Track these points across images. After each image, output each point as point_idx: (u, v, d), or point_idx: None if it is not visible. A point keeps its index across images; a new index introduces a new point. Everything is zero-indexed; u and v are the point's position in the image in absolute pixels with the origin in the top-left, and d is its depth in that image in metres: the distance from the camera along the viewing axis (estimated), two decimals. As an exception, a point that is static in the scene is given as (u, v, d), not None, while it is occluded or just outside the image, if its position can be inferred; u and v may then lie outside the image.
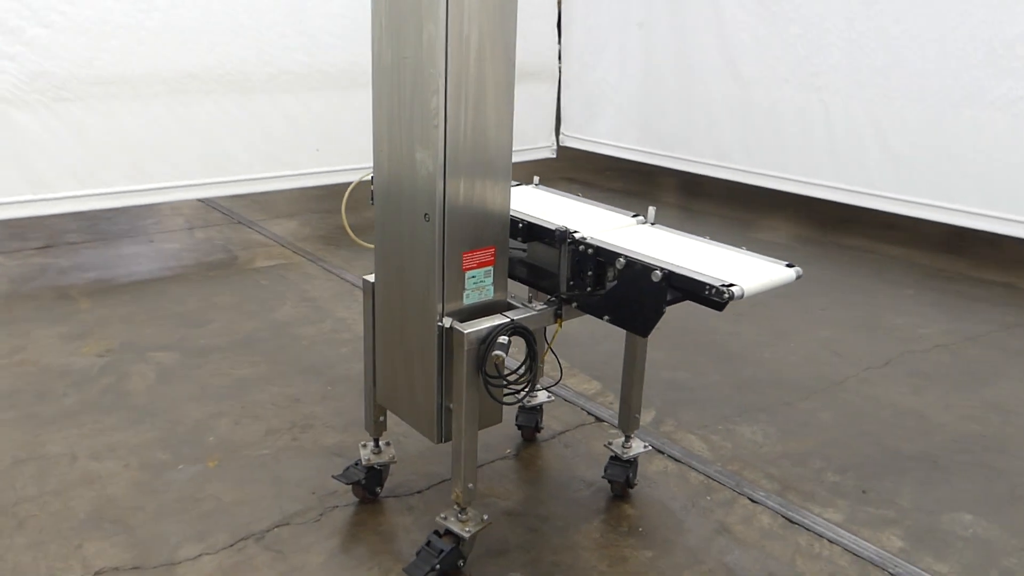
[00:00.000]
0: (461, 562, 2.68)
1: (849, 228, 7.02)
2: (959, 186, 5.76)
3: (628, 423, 3.15)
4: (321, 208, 7.37)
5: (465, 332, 2.49)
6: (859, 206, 6.36)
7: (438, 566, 2.63)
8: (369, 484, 3.06)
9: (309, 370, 4.15)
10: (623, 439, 3.17)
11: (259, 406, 3.77)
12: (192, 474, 3.24)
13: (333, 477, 3.09)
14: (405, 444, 3.40)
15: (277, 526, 2.94)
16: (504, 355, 2.51)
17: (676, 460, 3.41)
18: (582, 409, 3.79)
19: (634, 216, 2.90)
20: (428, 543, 2.68)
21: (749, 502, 3.16)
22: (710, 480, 3.29)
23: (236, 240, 6.41)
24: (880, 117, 6.14)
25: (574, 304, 2.67)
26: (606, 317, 2.57)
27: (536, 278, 2.82)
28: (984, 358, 4.49)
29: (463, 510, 2.69)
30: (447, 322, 2.53)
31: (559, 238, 2.62)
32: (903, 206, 6.09)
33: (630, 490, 3.16)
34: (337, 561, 2.77)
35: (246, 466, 3.31)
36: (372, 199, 2.72)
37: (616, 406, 3.34)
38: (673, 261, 2.43)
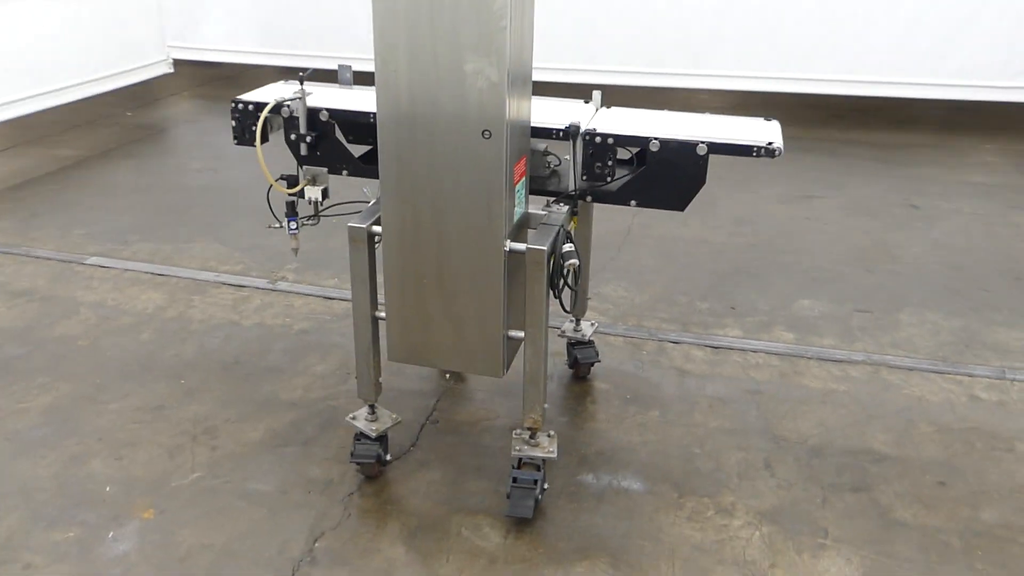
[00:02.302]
0: (546, 484, 2.62)
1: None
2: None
3: (581, 308, 3.24)
4: None
5: (543, 248, 2.33)
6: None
7: (539, 496, 2.54)
8: (382, 454, 2.72)
9: (129, 373, 3.32)
10: (574, 324, 3.27)
11: (121, 431, 2.96)
12: (136, 539, 2.49)
13: (352, 460, 2.67)
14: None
15: (316, 541, 2.48)
16: (579, 262, 2.42)
17: (590, 331, 3.62)
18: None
19: (586, 102, 2.89)
20: (514, 479, 2.55)
21: (672, 344, 3.55)
22: (628, 338, 3.59)
23: None
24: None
25: (589, 198, 2.64)
26: (632, 202, 2.61)
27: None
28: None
29: (533, 435, 2.60)
30: (507, 244, 2.34)
31: (572, 133, 2.54)
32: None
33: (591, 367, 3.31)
34: (418, 547, 2.48)
35: (195, 500, 2.65)
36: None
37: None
38: (692, 133, 2.55)
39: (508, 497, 2.54)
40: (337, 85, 2.96)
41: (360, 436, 2.71)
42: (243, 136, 2.87)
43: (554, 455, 2.58)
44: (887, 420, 3.03)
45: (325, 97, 2.79)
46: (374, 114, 2.65)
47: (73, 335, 3.61)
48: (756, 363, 3.40)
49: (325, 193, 2.84)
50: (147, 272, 4.20)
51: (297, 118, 2.74)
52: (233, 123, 2.86)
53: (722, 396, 3.18)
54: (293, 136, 2.75)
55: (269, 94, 2.92)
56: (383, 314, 2.58)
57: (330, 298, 3.95)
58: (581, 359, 3.22)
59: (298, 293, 4.00)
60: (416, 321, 2.50)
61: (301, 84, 2.71)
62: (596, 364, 3.26)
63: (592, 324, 3.28)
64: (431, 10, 2.11)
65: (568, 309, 2.67)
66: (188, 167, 5.88)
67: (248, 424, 3.02)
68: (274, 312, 3.82)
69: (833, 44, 6.20)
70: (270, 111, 2.66)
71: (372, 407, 2.73)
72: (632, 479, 2.75)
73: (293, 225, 2.89)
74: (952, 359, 3.42)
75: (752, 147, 2.48)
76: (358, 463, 2.68)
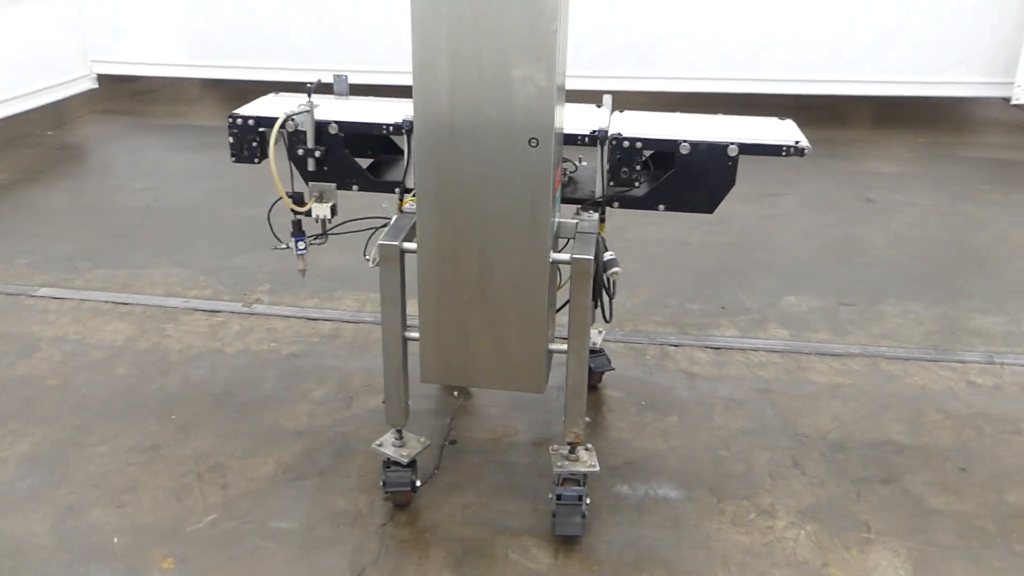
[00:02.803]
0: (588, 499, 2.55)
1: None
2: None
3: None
4: None
5: (589, 257, 2.27)
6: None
7: (585, 512, 2.47)
8: (415, 480, 2.60)
9: (111, 412, 3.09)
10: (583, 332, 3.21)
11: (117, 475, 2.74)
12: (163, 586, 2.31)
13: (387, 490, 2.54)
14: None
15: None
16: (620, 270, 2.37)
17: (591, 339, 3.58)
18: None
19: (598, 107, 2.84)
20: (558, 497, 2.48)
21: (673, 347, 3.54)
22: (628, 344, 3.56)
23: None
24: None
25: (616, 204, 2.60)
26: (661, 207, 2.58)
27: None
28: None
29: (573, 449, 2.53)
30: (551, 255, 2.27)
31: (600, 139, 2.49)
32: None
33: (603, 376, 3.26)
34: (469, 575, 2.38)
35: (217, 545, 2.47)
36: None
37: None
38: (718, 135, 2.54)
39: (553, 516, 2.46)
40: (333, 96, 2.84)
41: (389, 463, 2.58)
42: (241, 153, 2.70)
43: (597, 469, 2.52)
44: (897, 410, 3.09)
45: (331, 109, 2.65)
46: (388, 125, 2.57)
47: (38, 374, 3.33)
48: (760, 362, 3.43)
49: (333, 210, 2.70)
50: (107, 301, 3.92)
51: (303, 132, 2.60)
52: (231, 139, 2.69)
53: (735, 397, 3.18)
54: (301, 151, 2.60)
55: (264, 108, 2.76)
56: (412, 334, 2.47)
57: (313, 319, 3.78)
58: (595, 368, 3.16)
59: (278, 316, 3.81)
60: (453, 339, 2.39)
61: (309, 96, 2.57)
62: (607, 372, 3.22)
63: (600, 331, 3.24)
64: (475, 12, 2.02)
65: (608, 318, 2.61)
66: (128, 187, 5.55)
67: (256, 458, 2.84)
68: (257, 337, 3.63)
69: (775, 45, 6.37)
70: (280, 126, 2.51)
71: (400, 432, 2.60)
72: (667, 487, 2.71)
73: (301, 245, 2.74)
74: (942, 347, 3.53)
75: (782, 147, 2.49)
76: (392, 492, 2.55)
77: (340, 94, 2.85)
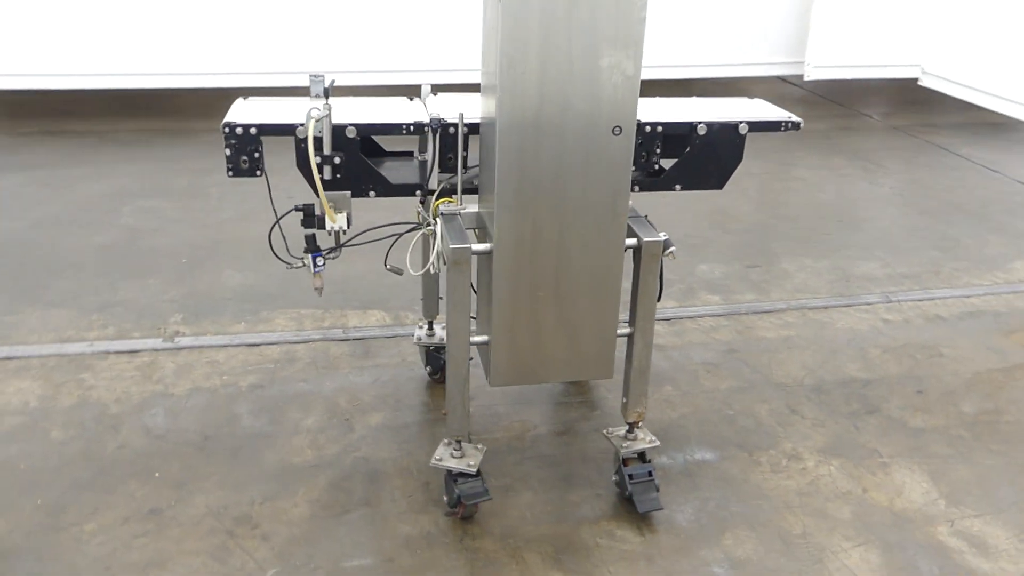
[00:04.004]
0: (650, 472, 2.63)
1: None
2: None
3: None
4: None
5: (659, 239, 2.34)
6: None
7: (658, 486, 2.55)
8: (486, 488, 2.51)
9: (77, 483, 2.65)
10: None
11: (129, 553, 2.37)
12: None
13: (469, 503, 2.42)
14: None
15: (467, 594, 2.25)
16: (675, 248, 2.46)
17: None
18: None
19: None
20: (630, 476, 2.53)
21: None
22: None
23: None
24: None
25: (636, 188, 2.67)
26: (678, 187, 2.70)
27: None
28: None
29: (631, 429, 2.59)
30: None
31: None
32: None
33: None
34: (573, 570, 2.36)
35: (294, 594, 2.23)
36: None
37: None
38: (720, 116, 2.70)
39: (630, 496, 2.52)
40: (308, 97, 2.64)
41: (455, 476, 2.47)
42: (240, 166, 2.42)
43: (657, 443, 2.60)
44: (845, 352, 3.49)
45: (346, 111, 2.47)
46: (407, 125, 2.45)
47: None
48: (711, 326, 3.68)
49: (348, 220, 2.52)
50: (-13, 359, 3.31)
51: (318, 138, 2.39)
52: (227, 152, 2.40)
53: (710, 361, 3.41)
54: (319, 159, 2.39)
55: (256, 115, 2.50)
56: (479, 339, 2.38)
57: (255, 345, 3.46)
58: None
59: (212, 346, 3.44)
60: (526, 338, 2.35)
61: (326, 99, 2.37)
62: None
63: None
64: (569, 4, 2.00)
65: (659, 298, 2.68)
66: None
67: (282, 501, 2.59)
68: (202, 373, 3.26)
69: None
70: (308, 133, 2.29)
71: (459, 442, 2.50)
72: (701, 451, 2.86)
73: (320, 262, 2.52)
74: (846, 293, 4.01)
75: (781, 123, 2.71)
76: (473, 504, 2.45)
77: (317, 96, 2.66)
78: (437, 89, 2.78)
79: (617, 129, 2.15)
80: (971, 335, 3.63)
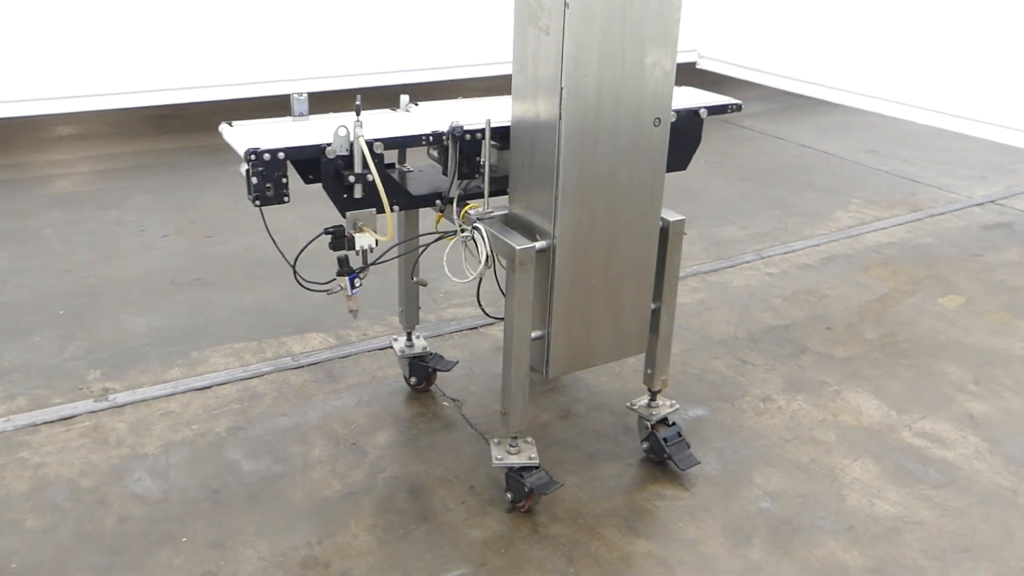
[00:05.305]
0: (673, 435, 2.86)
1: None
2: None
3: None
4: None
5: (682, 218, 2.57)
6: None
7: (688, 443, 2.79)
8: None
9: (91, 569, 2.34)
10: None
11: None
12: None
13: (546, 493, 2.48)
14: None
15: (574, 577, 2.34)
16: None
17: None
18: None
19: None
20: (665, 440, 2.75)
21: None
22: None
23: None
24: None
25: (621, 176, 2.87)
26: (653, 171, 2.93)
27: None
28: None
29: (654, 397, 2.81)
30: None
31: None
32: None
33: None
34: (653, 534, 2.53)
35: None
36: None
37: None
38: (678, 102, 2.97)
39: (669, 458, 2.73)
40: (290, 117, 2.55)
41: (520, 471, 2.53)
42: (266, 194, 2.27)
43: (678, 406, 2.84)
44: (754, 305, 3.96)
45: (372, 127, 2.40)
46: (426, 136, 2.47)
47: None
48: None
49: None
50: None
51: (346, 156, 2.32)
52: (254, 180, 2.24)
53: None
54: (352, 178, 2.32)
55: (268, 138, 2.35)
56: (536, 334, 2.46)
57: (204, 388, 3.20)
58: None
59: (157, 397, 3.13)
60: (580, 327, 2.47)
61: (357, 115, 2.30)
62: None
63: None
64: (624, 9, 2.14)
65: None
66: None
67: (340, 535, 2.48)
68: (165, 426, 2.96)
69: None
70: (364, 151, 2.21)
71: (515, 438, 2.56)
72: (692, 409, 3.14)
73: (358, 283, 2.43)
74: (725, 256, 4.51)
75: (728, 106, 3.04)
76: (549, 492, 2.51)
77: (300, 115, 2.57)
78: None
79: (657, 120, 2.33)
80: (839, 276, 4.27)
